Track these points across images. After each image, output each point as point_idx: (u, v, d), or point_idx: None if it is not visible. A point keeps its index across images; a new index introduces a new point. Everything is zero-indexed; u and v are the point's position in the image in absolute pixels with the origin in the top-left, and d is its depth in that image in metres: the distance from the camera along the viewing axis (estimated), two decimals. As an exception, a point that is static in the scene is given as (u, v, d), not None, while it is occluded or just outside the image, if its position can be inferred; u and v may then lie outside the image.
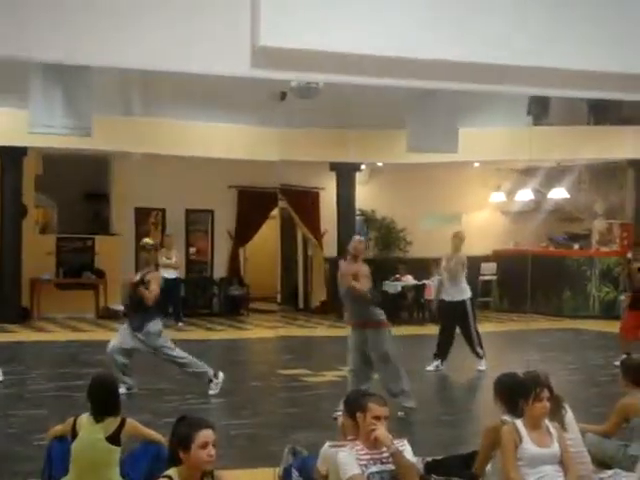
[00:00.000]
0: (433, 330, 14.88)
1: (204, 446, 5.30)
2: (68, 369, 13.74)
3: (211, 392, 11.53)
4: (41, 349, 16.21)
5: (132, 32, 6.35)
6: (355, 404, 6.60)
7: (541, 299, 23.00)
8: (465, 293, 14.50)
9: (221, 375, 11.77)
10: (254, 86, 18.05)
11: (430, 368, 14.01)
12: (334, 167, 21.94)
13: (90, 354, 15.17)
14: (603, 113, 22.54)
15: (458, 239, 15.20)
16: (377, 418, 6.38)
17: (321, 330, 19.08)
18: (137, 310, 11.81)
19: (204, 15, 6.38)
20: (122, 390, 9.38)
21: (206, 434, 5.34)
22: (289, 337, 18.66)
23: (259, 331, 19.81)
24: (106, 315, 20.63)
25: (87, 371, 11.54)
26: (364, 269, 10.70)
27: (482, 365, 14.09)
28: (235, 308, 22.22)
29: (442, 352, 14.21)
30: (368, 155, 21.68)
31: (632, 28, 7.36)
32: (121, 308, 21.00)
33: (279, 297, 24.35)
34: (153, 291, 11.72)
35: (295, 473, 7.37)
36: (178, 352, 11.71)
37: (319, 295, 23.02)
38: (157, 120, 19.57)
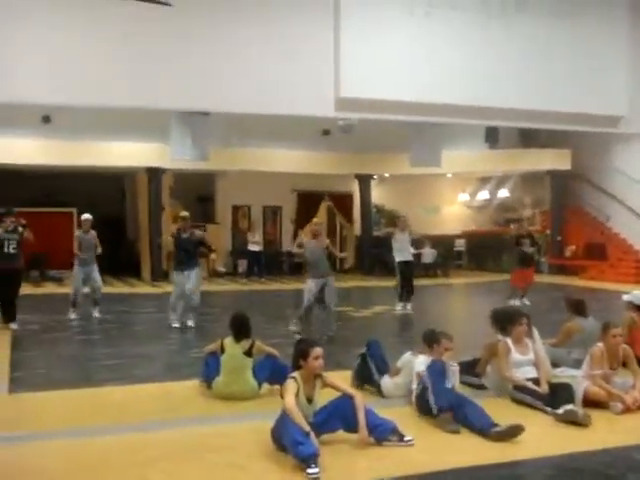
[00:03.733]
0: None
1: (317, 358, 5.20)
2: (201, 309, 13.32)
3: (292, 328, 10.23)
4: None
5: (252, 86, 6.24)
6: (432, 338, 6.36)
7: (491, 260, 22.67)
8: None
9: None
10: (309, 126, 17.98)
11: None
12: (357, 177, 21.83)
13: (210, 299, 14.77)
14: (530, 140, 22.31)
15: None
16: (447, 349, 6.27)
17: (353, 282, 18.89)
18: None
19: (300, 75, 6.28)
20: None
21: (318, 350, 5.24)
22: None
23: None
24: (214, 274, 20.56)
25: (210, 310, 11.38)
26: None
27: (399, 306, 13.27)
28: (297, 269, 21.98)
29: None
30: (378, 169, 21.54)
31: (556, 80, 7.22)
32: (223, 270, 20.99)
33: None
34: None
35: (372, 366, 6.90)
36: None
37: (350, 259, 22.78)
38: (245, 149, 19.42)
